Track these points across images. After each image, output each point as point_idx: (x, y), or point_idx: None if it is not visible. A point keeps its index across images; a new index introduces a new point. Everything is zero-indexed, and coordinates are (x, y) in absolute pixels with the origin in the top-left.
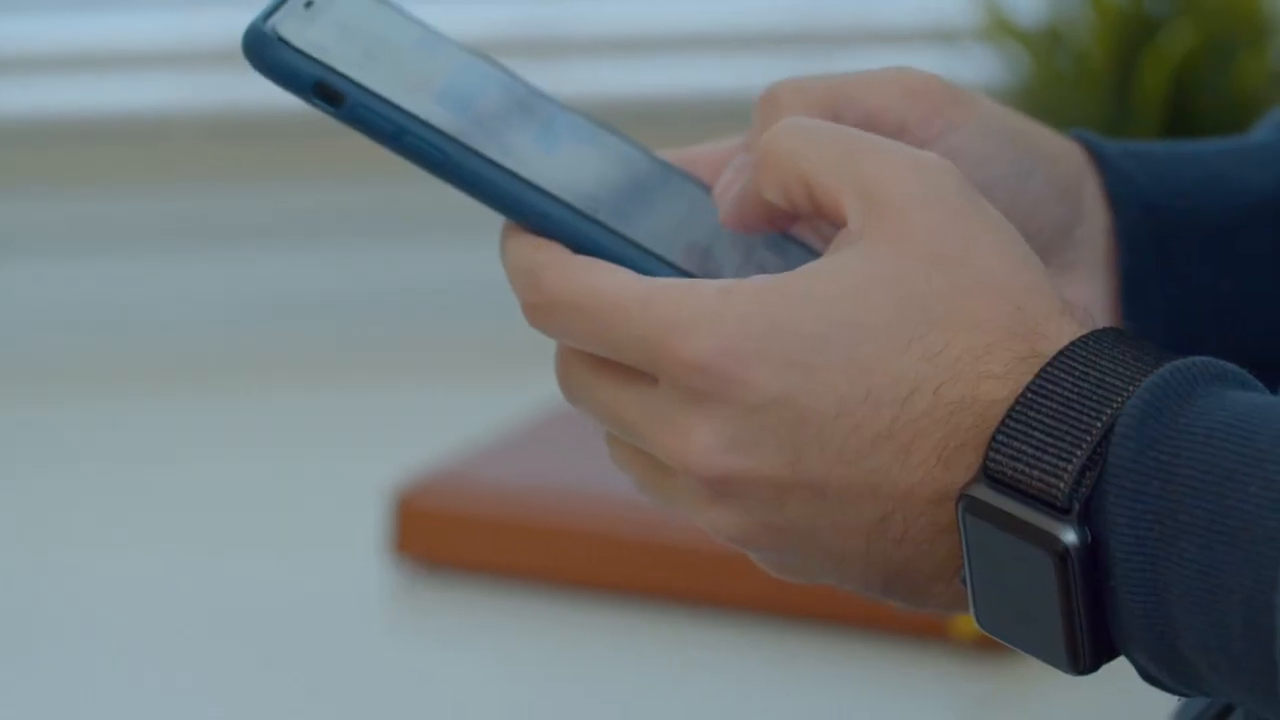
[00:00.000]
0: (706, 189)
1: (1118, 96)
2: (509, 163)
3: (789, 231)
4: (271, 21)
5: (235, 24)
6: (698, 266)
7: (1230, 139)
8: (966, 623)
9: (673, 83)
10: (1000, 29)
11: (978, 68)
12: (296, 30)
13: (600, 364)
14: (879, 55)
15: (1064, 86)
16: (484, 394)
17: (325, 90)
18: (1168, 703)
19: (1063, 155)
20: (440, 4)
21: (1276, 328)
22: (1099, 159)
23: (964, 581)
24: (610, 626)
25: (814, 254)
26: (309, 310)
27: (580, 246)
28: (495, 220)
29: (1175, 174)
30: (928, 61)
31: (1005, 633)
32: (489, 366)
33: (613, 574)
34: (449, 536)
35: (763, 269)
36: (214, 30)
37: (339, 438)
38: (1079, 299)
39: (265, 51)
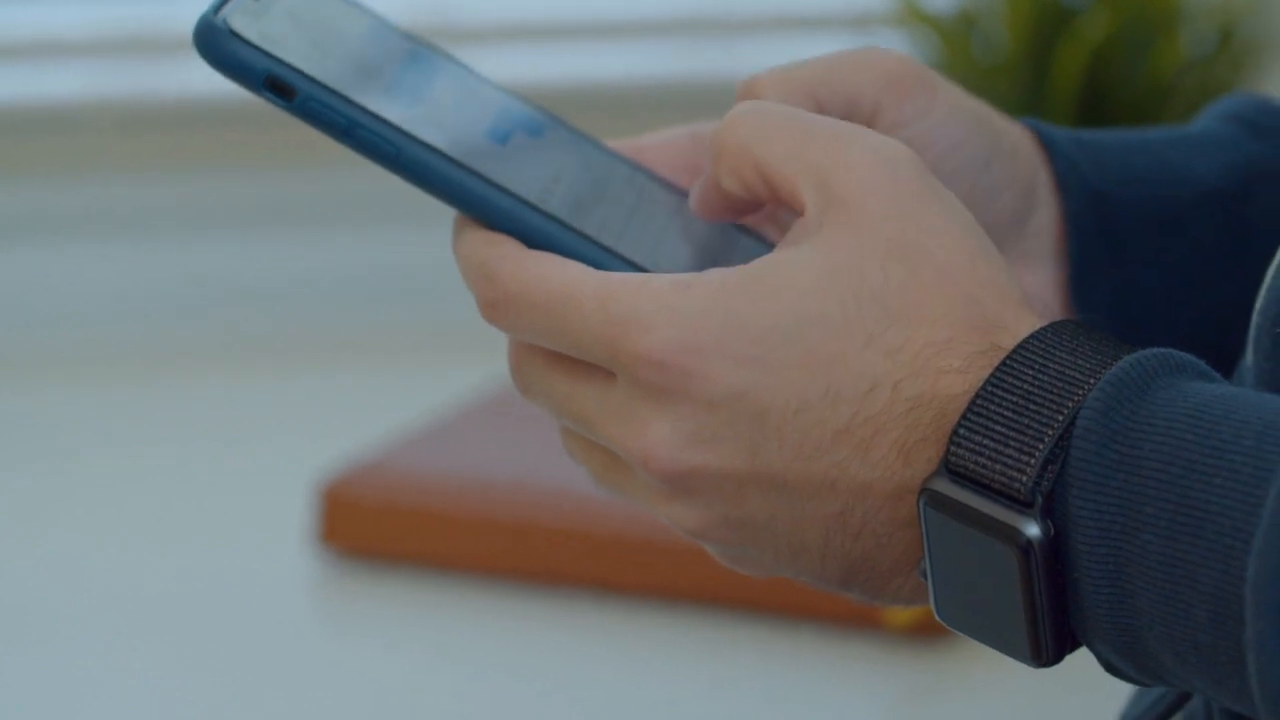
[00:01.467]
0: (657, 179)
1: (1032, 84)
2: (462, 157)
3: (743, 223)
4: (223, 14)
5: (146, 13)
6: (649, 259)
7: (1173, 128)
8: (899, 613)
9: (584, 70)
10: (913, 14)
11: None
12: (247, 23)
13: (556, 359)
14: (792, 41)
15: (978, 74)
16: (409, 383)
17: (276, 84)
18: (1097, 691)
19: (1020, 145)
20: None
21: (1219, 314)
22: (1049, 147)
23: (924, 575)
24: (537, 616)
25: (767, 245)
26: (231, 299)
27: (534, 241)
28: (426, 207)
29: (1121, 162)
30: (840, 48)
31: (966, 625)
32: (414, 356)
33: (539, 564)
34: (375, 527)
35: (716, 261)
36: (125, 20)
37: (264, 427)
38: (1029, 286)
39: (216, 45)
